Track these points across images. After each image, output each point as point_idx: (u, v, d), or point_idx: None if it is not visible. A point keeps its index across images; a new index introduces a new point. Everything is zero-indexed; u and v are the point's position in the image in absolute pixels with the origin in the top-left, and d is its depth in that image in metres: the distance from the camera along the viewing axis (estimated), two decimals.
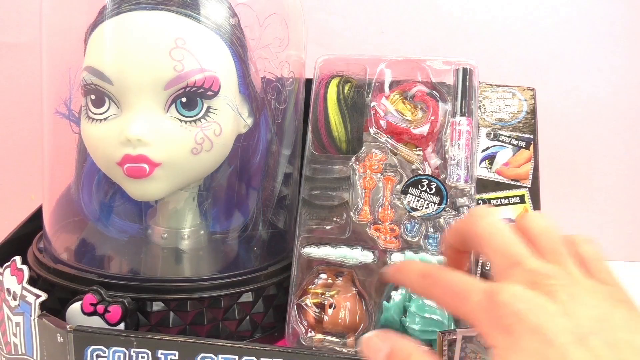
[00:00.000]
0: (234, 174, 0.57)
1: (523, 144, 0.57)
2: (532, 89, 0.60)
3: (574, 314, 0.34)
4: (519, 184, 0.56)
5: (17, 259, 0.48)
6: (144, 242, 0.57)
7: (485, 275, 0.55)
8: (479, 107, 0.57)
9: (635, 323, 0.35)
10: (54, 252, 0.56)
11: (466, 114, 0.54)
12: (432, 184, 0.52)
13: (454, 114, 0.54)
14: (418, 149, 0.54)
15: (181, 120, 0.49)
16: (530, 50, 0.89)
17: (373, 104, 0.56)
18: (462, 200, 0.52)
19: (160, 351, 0.44)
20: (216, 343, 0.45)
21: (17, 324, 0.48)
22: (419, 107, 0.54)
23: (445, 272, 0.38)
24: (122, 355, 0.44)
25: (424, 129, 0.54)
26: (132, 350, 0.44)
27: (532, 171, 0.57)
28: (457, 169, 0.53)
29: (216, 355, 0.45)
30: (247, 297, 0.54)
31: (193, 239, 0.57)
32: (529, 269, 0.36)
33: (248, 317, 0.54)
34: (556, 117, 0.88)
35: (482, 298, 0.35)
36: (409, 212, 0.52)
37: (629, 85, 0.89)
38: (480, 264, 0.55)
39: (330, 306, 0.52)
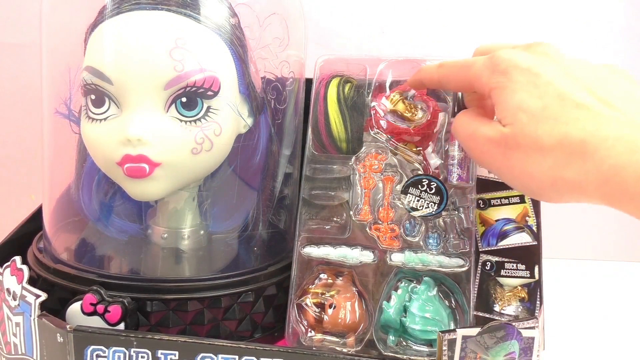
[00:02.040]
0: (234, 174, 0.57)
1: None
2: None
3: (561, 61, 0.41)
4: None
5: (17, 259, 0.48)
6: (143, 242, 0.57)
7: (485, 275, 0.55)
8: None
9: (619, 73, 0.41)
10: (54, 252, 0.56)
11: None
12: (432, 184, 0.52)
13: (454, 114, 0.54)
14: (418, 149, 0.54)
15: (181, 120, 0.49)
16: None
17: (373, 104, 0.56)
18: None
19: (160, 351, 0.44)
20: (216, 343, 0.45)
21: (17, 324, 0.48)
22: (419, 107, 0.54)
23: (455, 60, 0.47)
24: (122, 355, 0.44)
25: (424, 129, 0.54)
26: (132, 350, 0.44)
27: None
28: (457, 169, 0.53)
29: (216, 355, 0.45)
30: (247, 297, 0.54)
31: (193, 239, 0.57)
32: (521, 45, 0.43)
33: (248, 317, 0.54)
34: None
35: (484, 60, 0.43)
36: (409, 212, 0.52)
37: None
38: (480, 263, 0.55)
39: (330, 306, 0.52)
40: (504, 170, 0.41)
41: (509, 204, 0.56)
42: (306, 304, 0.52)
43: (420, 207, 0.52)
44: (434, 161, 0.53)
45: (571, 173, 0.37)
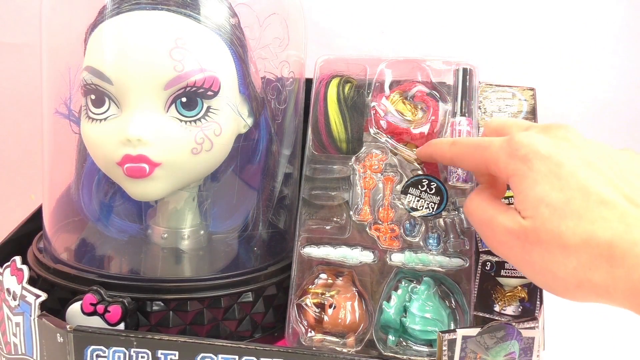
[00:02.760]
0: (234, 174, 0.57)
1: None
2: (532, 89, 0.60)
3: (582, 148, 0.39)
4: None
5: (17, 259, 0.48)
6: (143, 242, 0.57)
7: (485, 275, 0.55)
8: (479, 107, 0.57)
9: (637, 161, 0.39)
10: (54, 252, 0.56)
11: (466, 114, 0.54)
12: (432, 184, 0.52)
13: (454, 114, 0.54)
14: (418, 148, 0.54)
15: (181, 120, 0.49)
16: (530, 50, 0.89)
17: (373, 104, 0.56)
18: (462, 200, 0.52)
19: (160, 351, 0.44)
20: (216, 343, 0.45)
21: (17, 324, 0.48)
22: (419, 107, 0.54)
23: (469, 138, 0.45)
24: (122, 355, 0.44)
25: (424, 129, 0.54)
26: (132, 350, 0.44)
27: None
28: (457, 169, 0.53)
29: (216, 355, 0.45)
30: (247, 297, 0.54)
31: (193, 239, 0.57)
32: (539, 127, 0.42)
33: (248, 317, 0.54)
34: (556, 117, 0.88)
35: (501, 142, 0.41)
36: (409, 212, 0.52)
37: (629, 85, 0.89)
38: (480, 263, 0.55)
39: (330, 306, 0.52)
40: (524, 264, 0.39)
41: (509, 204, 0.56)
42: (306, 304, 0.52)
43: (420, 207, 0.52)
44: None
45: (598, 277, 0.35)
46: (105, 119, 0.50)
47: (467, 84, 0.55)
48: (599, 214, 0.35)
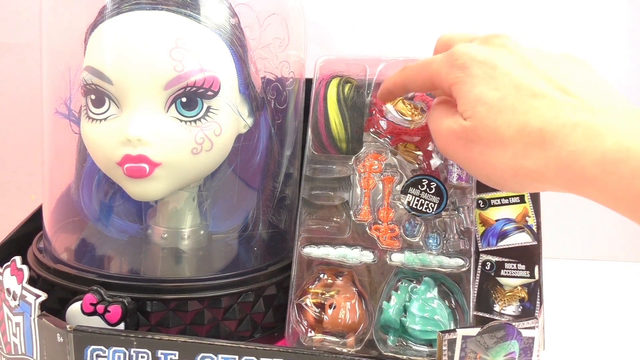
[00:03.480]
0: (234, 174, 0.57)
1: None
2: None
3: (518, 52, 0.42)
4: None
5: (17, 259, 0.48)
6: (144, 242, 0.57)
7: (485, 275, 0.55)
8: None
9: (577, 62, 0.42)
10: (54, 252, 0.56)
11: None
12: (432, 184, 0.52)
13: None
14: (418, 149, 0.54)
15: (181, 120, 0.49)
16: None
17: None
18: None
19: (160, 351, 0.44)
20: (216, 343, 0.45)
21: (17, 324, 0.48)
22: (419, 107, 0.54)
23: (417, 61, 0.47)
24: (122, 355, 0.45)
25: (424, 129, 0.54)
26: (132, 350, 0.44)
27: None
28: (457, 168, 0.53)
29: (216, 355, 0.45)
30: (247, 297, 0.54)
31: (193, 239, 0.57)
32: (480, 38, 0.44)
33: (248, 317, 0.54)
34: None
35: (442, 57, 0.44)
36: (409, 212, 0.52)
37: (629, 85, 0.89)
38: (480, 263, 0.55)
39: (330, 306, 0.52)
40: (466, 162, 0.42)
41: (509, 204, 0.56)
42: (306, 304, 0.52)
43: (420, 207, 0.52)
44: (434, 161, 0.53)
45: (532, 162, 0.37)
46: (105, 119, 0.50)
47: None
48: (530, 105, 0.38)
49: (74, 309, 0.48)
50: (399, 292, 0.52)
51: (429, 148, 0.54)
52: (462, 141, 0.41)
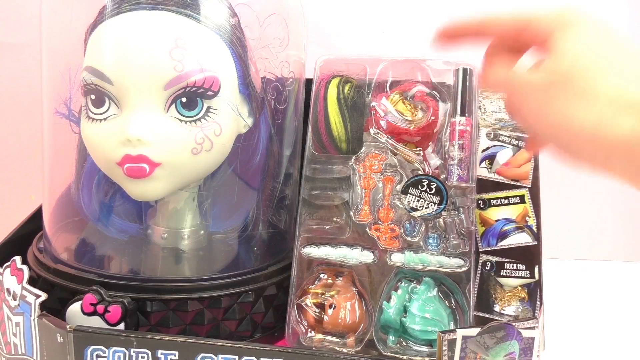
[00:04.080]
0: (234, 174, 0.57)
1: (523, 144, 0.57)
2: None
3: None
4: (519, 184, 0.56)
5: (17, 259, 0.48)
6: (144, 242, 0.57)
7: (485, 275, 0.55)
8: (479, 107, 0.57)
9: None
10: (54, 252, 0.56)
11: (466, 114, 0.54)
12: (432, 184, 0.52)
13: (454, 114, 0.54)
14: (418, 149, 0.54)
15: (181, 120, 0.49)
16: (530, 50, 0.88)
17: (373, 104, 0.56)
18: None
19: (160, 351, 0.44)
20: (216, 343, 0.45)
21: (17, 324, 0.48)
22: (419, 107, 0.54)
23: None
24: (122, 355, 0.44)
25: (424, 129, 0.54)
26: (132, 350, 0.44)
27: (532, 171, 0.57)
28: (457, 168, 0.53)
29: (216, 355, 0.45)
30: (247, 297, 0.54)
31: (193, 239, 0.57)
32: None
33: (248, 317, 0.54)
34: None
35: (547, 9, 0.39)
36: (409, 212, 0.52)
37: None
38: (480, 263, 0.55)
39: (330, 306, 0.52)
40: (539, 114, 0.37)
41: (509, 204, 0.56)
42: (306, 304, 0.52)
43: (420, 207, 0.52)
44: (434, 161, 0.53)
45: (621, 128, 0.33)
46: (105, 119, 0.50)
47: (467, 84, 0.55)
48: (638, 74, 0.34)
49: (74, 309, 0.48)
50: (399, 292, 0.52)
51: (429, 150, 0.54)
52: (539, 92, 0.37)
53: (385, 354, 0.50)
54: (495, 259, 0.55)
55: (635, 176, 0.34)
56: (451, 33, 0.46)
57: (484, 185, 0.56)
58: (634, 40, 0.38)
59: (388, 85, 0.56)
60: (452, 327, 0.50)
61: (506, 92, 0.40)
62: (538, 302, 0.54)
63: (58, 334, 0.45)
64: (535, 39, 0.40)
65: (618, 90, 0.34)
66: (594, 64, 0.35)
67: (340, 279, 0.53)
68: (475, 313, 0.52)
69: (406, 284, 0.52)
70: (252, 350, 0.45)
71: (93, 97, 0.50)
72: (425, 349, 0.50)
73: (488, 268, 0.55)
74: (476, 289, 0.54)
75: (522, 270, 0.54)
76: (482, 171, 0.57)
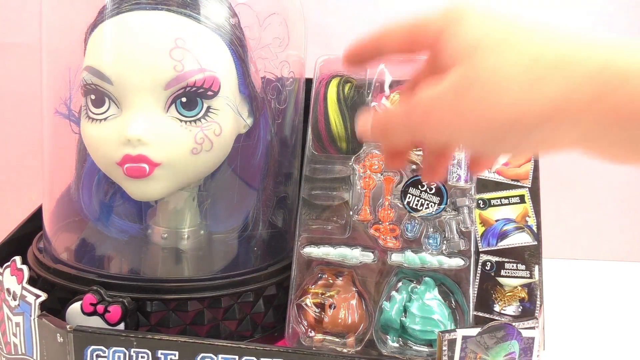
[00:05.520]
0: (234, 174, 0.57)
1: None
2: None
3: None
4: (519, 184, 0.56)
5: (17, 259, 0.48)
6: (144, 242, 0.57)
7: (485, 275, 0.55)
8: None
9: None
10: (54, 252, 0.56)
11: None
12: (432, 184, 0.52)
13: None
14: (418, 149, 0.54)
15: (181, 120, 0.49)
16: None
17: (373, 104, 0.56)
18: (461, 200, 0.52)
19: (160, 351, 0.44)
20: (216, 343, 0.45)
21: (17, 324, 0.48)
22: None
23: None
24: (122, 355, 0.44)
25: None
26: (132, 350, 0.44)
27: (532, 171, 0.57)
28: (457, 169, 0.53)
29: (216, 355, 0.45)
30: (247, 297, 0.54)
31: (193, 239, 0.57)
32: None
33: (248, 317, 0.54)
34: None
35: (434, 11, 0.36)
36: (409, 212, 0.52)
37: None
38: (480, 263, 0.55)
39: (330, 306, 0.52)
40: (455, 118, 0.33)
41: (509, 204, 0.56)
42: (306, 304, 0.52)
43: (420, 207, 0.52)
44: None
45: (551, 90, 0.30)
46: (105, 119, 0.50)
47: None
48: (545, 38, 0.31)
49: (74, 309, 0.48)
50: (399, 292, 0.52)
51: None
52: (449, 96, 0.33)
53: (385, 354, 0.50)
54: (495, 259, 0.55)
55: (586, 142, 0.31)
56: (354, 57, 0.42)
57: (484, 185, 0.56)
58: (523, 16, 0.34)
59: (388, 85, 0.56)
60: (452, 327, 0.50)
61: (412, 116, 0.36)
62: (538, 302, 0.54)
63: (58, 334, 0.45)
64: (430, 45, 0.37)
65: (527, 59, 0.31)
66: (494, 46, 0.32)
67: (340, 279, 0.53)
68: (475, 313, 0.52)
69: (406, 284, 0.52)
70: (252, 350, 0.45)
71: (93, 97, 0.50)
72: (425, 349, 0.50)
73: (488, 268, 0.55)
74: (476, 289, 0.54)
75: (522, 270, 0.54)
76: None
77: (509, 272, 0.55)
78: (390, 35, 0.39)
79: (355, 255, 0.53)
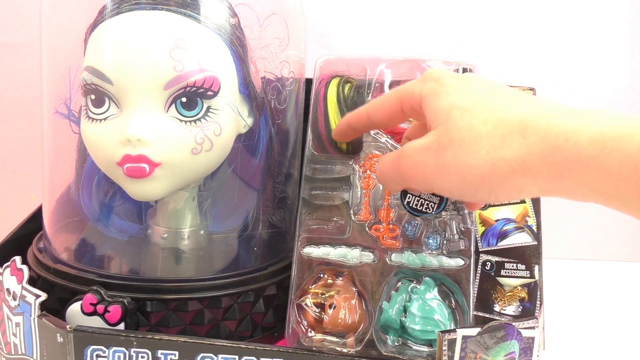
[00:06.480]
0: (234, 174, 0.57)
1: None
2: (532, 89, 0.60)
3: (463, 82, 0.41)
4: None
5: (17, 259, 0.48)
6: (144, 242, 0.57)
7: (485, 275, 0.55)
8: None
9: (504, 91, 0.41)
10: (54, 252, 0.56)
11: None
12: None
13: None
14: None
15: (181, 120, 0.49)
16: (530, 50, 0.89)
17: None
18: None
19: (160, 351, 0.44)
20: (216, 343, 0.45)
21: (17, 324, 0.48)
22: None
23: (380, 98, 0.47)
24: (122, 355, 0.45)
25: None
26: (132, 350, 0.44)
27: None
28: None
29: (216, 355, 0.45)
30: (247, 297, 0.54)
31: (193, 239, 0.57)
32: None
33: (248, 317, 0.54)
34: None
35: (416, 80, 0.44)
36: (409, 212, 0.52)
37: (629, 85, 0.89)
38: (480, 263, 0.55)
39: (330, 306, 0.52)
40: (438, 172, 0.39)
41: (509, 204, 0.56)
42: (306, 304, 0.52)
43: (420, 207, 0.52)
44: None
45: (512, 151, 0.35)
46: (105, 119, 0.50)
47: None
48: (508, 103, 0.37)
49: (74, 309, 0.48)
50: (399, 292, 0.52)
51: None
52: (432, 152, 0.39)
53: (385, 354, 0.50)
54: (495, 258, 0.55)
55: (547, 191, 0.36)
56: (345, 133, 0.51)
57: None
58: (492, 79, 0.42)
59: (388, 85, 0.56)
60: (452, 327, 0.50)
61: (399, 169, 0.43)
62: (538, 302, 0.54)
63: (58, 334, 0.45)
64: (414, 109, 0.43)
65: (494, 120, 0.37)
66: (467, 107, 0.38)
67: (340, 279, 0.53)
68: (475, 313, 0.52)
69: (406, 284, 0.52)
70: (252, 350, 0.45)
71: (93, 97, 0.50)
72: (425, 349, 0.50)
73: (488, 268, 0.55)
74: (476, 289, 0.54)
75: (522, 270, 0.54)
76: None
77: (509, 272, 0.55)
78: (378, 108, 0.47)
79: (355, 255, 0.53)
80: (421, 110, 0.42)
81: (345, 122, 0.50)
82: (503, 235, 0.55)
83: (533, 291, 0.54)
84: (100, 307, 0.48)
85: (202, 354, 0.45)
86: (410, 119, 0.50)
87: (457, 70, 0.55)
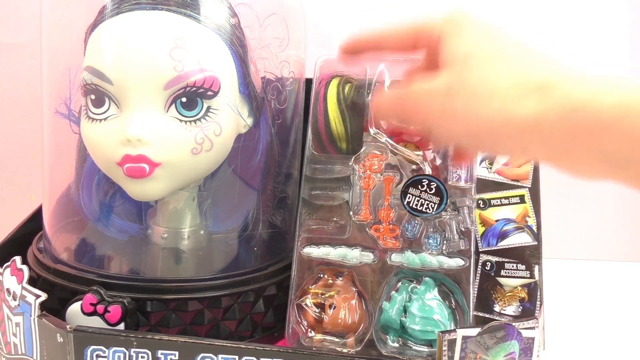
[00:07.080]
0: (234, 174, 0.57)
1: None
2: None
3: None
4: (519, 184, 0.56)
5: (17, 259, 0.48)
6: (144, 242, 0.57)
7: (485, 275, 0.55)
8: None
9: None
10: (54, 252, 0.56)
11: None
12: (432, 184, 0.52)
13: None
14: (418, 149, 0.54)
15: (181, 120, 0.49)
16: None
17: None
18: (461, 200, 0.52)
19: (160, 351, 0.44)
20: (216, 343, 0.45)
21: (17, 324, 0.48)
22: None
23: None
24: (122, 355, 0.44)
25: None
26: (132, 350, 0.44)
27: (532, 171, 0.57)
28: (457, 169, 0.53)
29: (216, 355, 0.45)
30: (247, 297, 0.54)
31: (193, 239, 0.57)
32: None
33: (248, 317, 0.54)
34: None
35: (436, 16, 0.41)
36: (409, 212, 0.52)
37: None
38: (480, 263, 0.55)
39: (330, 306, 0.52)
40: (442, 118, 0.37)
41: (509, 204, 0.56)
42: (306, 304, 0.52)
43: (420, 207, 0.52)
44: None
45: (528, 108, 0.34)
46: (105, 119, 0.50)
47: None
48: (532, 59, 0.35)
49: (74, 309, 0.48)
50: (399, 292, 0.52)
51: (429, 150, 0.54)
52: (440, 97, 0.37)
53: (385, 354, 0.50)
54: (495, 259, 0.55)
55: (552, 155, 0.35)
56: (352, 49, 0.47)
57: (484, 185, 0.56)
58: (521, 33, 0.38)
59: (388, 85, 0.56)
60: (452, 327, 0.50)
61: (403, 104, 0.40)
62: (538, 302, 0.54)
63: (58, 334, 0.45)
64: (429, 44, 0.41)
65: (514, 76, 0.35)
66: (487, 57, 0.36)
67: (340, 279, 0.53)
68: (475, 313, 0.52)
69: (406, 284, 0.52)
70: (252, 350, 0.45)
71: (93, 97, 0.50)
72: (425, 349, 0.50)
73: (488, 268, 0.55)
74: (476, 289, 0.54)
75: (522, 270, 0.54)
76: (482, 171, 0.57)
77: (509, 272, 0.55)
78: (392, 31, 0.43)
79: (355, 255, 0.53)
80: (437, 49, 0.39)
81: (355, 36, 0.46)
82: (503, 235, 0.55)
83: (533, 291, 0.54)
84: (100, 307, 0.48)
85: (202, 354, 0.45)
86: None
87: None
